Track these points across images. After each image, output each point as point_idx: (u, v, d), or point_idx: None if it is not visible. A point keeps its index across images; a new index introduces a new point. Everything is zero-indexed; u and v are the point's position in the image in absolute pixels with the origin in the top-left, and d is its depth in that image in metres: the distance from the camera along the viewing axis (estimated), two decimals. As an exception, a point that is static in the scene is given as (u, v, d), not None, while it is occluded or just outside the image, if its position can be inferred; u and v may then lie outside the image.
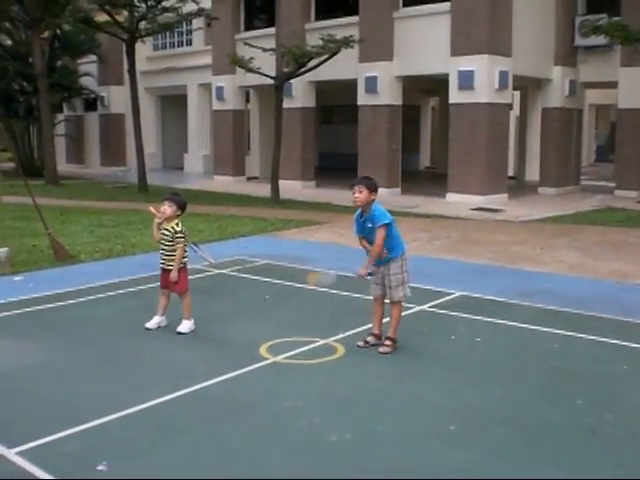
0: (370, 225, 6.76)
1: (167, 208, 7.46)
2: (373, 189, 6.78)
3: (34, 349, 7.00)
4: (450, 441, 4.93)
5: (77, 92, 35.04)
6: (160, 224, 7.53)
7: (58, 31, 32.10)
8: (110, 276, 10.21)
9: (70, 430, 5.07)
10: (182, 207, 7.57)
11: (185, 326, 7.51)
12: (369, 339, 7.02)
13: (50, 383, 6.07)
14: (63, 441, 4.93)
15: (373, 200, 6.79)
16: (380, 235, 6.66)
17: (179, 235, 7.44)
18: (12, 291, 9.35)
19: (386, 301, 7.01)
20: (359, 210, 6.91)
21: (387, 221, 6.70)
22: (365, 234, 6.88)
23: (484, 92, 19.70)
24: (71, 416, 5.32)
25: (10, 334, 7.54)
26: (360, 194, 6.73)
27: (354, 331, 7.40)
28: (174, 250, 7.45)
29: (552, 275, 10.56)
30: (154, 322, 7.65)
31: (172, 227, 7.46)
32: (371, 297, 7.11)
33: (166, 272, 7.56)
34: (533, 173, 25.55)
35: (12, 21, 31.42)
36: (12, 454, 4.72)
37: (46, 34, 30.62)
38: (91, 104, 37.04)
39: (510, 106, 21.78)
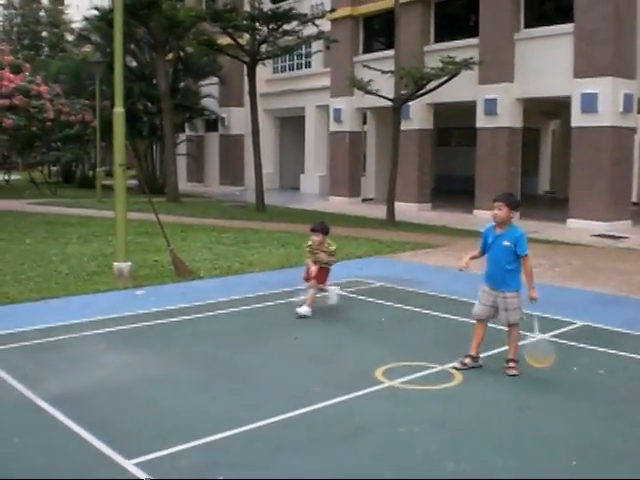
0: (507, 243, 6.69)
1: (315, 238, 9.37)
2: (514, 206, 6.75)
3: (155, 362, 7.16)
4: (572, 476, 4.74)
5: (199, 113, 36.05)
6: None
7: (181, 53, 33.13)
8: (229, 293, 10.38)
9: (187, 444, 5.13)
10: (325, 232, 9.46)
11: (304, 309, 9.10)
12: (466, 361, 6.97)
13: (169, 397, 6.18)
14: (180, 455, 4.99)
15: (511, 217, 6.75)
16: (528, 264, 6.70)
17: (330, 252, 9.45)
18: (134, 304, 9.63)
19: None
20: (491, 225, 6.86)
21: (528, 252, 6.71)
22: (492, 250, 6.81)
23: (608, 115, 19.13)
24: (189, 431, 5.38)
25: (132, 347, 7.74)
26: (500, 211, 6.71)
27: (472, 358, 7.24)
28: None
29: (680, 307, 10.09)
30: (304, 310, 9.13)
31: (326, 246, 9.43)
32: (474, 320, 7.09)
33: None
34: (658, 199, 24.62)
35: (137, 43, 32.68)
36: (130, 465, 4.81)
37: (170, 56, 31.64)
38: (212, 124, 38.00)
39: (635, 130, 21.07)
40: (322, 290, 9.57)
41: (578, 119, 19.81)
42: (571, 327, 8.66)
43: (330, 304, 9.46)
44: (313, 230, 9.45)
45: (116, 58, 11.51)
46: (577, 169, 19.94)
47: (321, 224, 9.55)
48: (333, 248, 9.50)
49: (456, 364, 6.98)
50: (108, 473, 4.75)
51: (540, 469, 4.86)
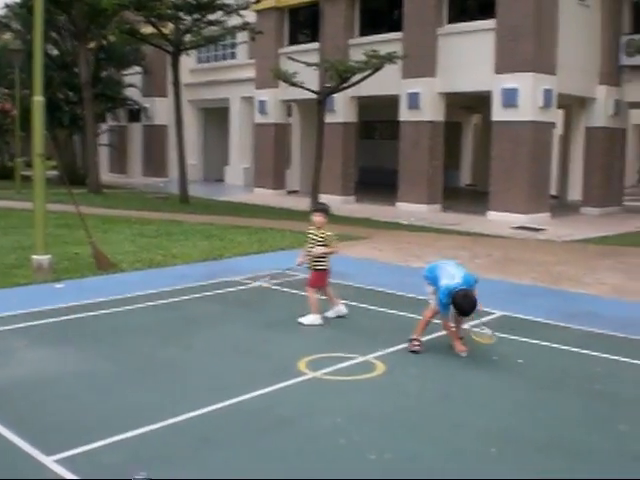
0: None
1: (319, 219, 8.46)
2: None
3: (75, 357, 7.05)
4: (491, 464, 4.85)
5: (121, 103, 35.50)
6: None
7: (104, 42, 32.56)
8: (151, 286, 10.26)
9: (109, 439, 5.08)
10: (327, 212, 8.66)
11: (307, 319, 8.37)
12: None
13: (90, 392, 6.09)
14: (102, 450, 4.93)
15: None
16: None
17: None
18: (54, 298, 9.44)
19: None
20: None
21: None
22: None
23: (528, 110, 19.55)
24: (110, 425, 5.32)
25: (51, 341, 7.60)
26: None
27: (394, 348, 7.34)
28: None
29: (595, 297, 10.39)
30: (307, 320, 8.40)
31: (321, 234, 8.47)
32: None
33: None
34: (575, 192, 25.26)
35: (59, 31, 31.98)
36: (50, 462, 4.73)
37: (92, 45, 31.07)
38: (135, 115, 37.47)
39: (554, 125, 21.58)
40: (331, 301, 8.74)
41: (498, 113, 20.18)
42: (490, 317, 8.81)
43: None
44: (315, 211, 8.66)
45: (36, 46, 11.23)
46: (497, 163, 20.32)
47: (320, 203, 9.13)
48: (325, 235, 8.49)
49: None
50: (27, 470, 4.66)
51: (460, 457, 4.97)
